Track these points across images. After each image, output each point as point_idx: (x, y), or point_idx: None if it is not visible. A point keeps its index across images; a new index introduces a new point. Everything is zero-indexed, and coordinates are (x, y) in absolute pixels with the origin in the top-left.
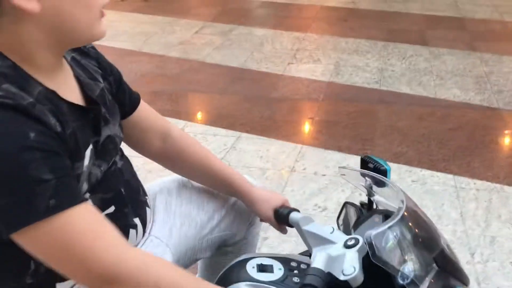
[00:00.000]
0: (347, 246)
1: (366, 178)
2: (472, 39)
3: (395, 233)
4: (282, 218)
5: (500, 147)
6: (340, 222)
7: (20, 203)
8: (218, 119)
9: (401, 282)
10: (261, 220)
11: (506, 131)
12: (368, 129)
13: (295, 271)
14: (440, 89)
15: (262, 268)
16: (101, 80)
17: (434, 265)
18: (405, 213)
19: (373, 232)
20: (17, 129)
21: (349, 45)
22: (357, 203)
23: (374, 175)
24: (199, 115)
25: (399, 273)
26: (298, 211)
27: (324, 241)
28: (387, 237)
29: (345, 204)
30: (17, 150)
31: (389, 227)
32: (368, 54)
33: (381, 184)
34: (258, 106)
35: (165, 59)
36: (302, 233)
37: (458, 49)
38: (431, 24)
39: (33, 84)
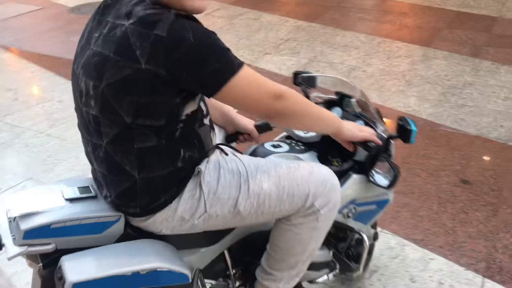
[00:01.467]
0: None
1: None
2: None
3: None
4: (262, 128)
5: None
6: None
7: (225, 63)
8: None
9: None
10: (243, 132)
11: None
12: None
13: (293, 143)
14: None
15: (275, 145)
16: None
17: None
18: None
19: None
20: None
21: (346, 39)
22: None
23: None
24: None
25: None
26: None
27: None
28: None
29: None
30: (213, 34)
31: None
32: (355, 50)
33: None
34: None
35: None
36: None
37: None
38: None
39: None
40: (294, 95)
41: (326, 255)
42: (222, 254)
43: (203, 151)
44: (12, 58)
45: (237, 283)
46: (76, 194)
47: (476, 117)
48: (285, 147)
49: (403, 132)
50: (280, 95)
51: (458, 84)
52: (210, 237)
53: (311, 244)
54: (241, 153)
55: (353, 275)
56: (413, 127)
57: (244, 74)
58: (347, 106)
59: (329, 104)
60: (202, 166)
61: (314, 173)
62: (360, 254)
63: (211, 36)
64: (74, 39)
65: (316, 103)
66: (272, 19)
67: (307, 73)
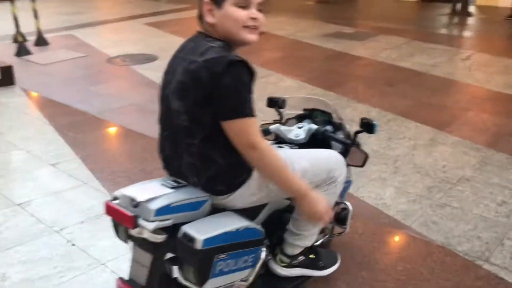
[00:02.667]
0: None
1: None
2: None
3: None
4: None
5: None
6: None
7: (241, 105)
8: None
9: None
10: None
11: None
12: None
13: (288, 145)
14: None
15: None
16: None
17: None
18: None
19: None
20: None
21: (355, 112)
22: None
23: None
24: None
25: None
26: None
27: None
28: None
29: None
30: (247, 85)
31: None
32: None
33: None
34: None
35: None
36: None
37: None
38: None
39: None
40: (267, 152)
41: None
42: None
43: None
44: (21, 102)
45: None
46: (174, 184)
47: (452, 222)
48: (286, 147)
49: (368, 126)
50: (255, 147)
51: (452, 178)
52: (252, 213)
53: (330, 205)
54: (282, 146)
55: (343, 234)
56: (375, 122)
57: (245, 121)
58: (316, 117)
59: (300, 118)
60: None
61: (331, 154)
62: (346, 217)
63: (244, 86)
64: (93, 88)
65: (288, 118)
66: (292, 84)
67: (278, 98)
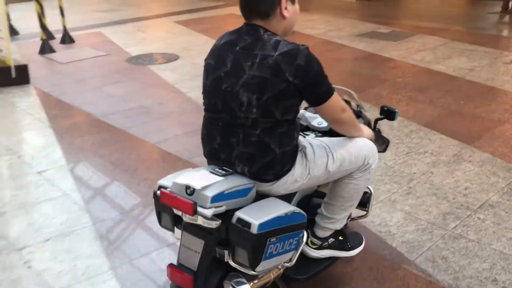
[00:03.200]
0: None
1: None
2: None
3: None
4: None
5: None
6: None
7: (329, 89)
8: None
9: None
10: None
11: None
12: None
13: (313, 133)
14: None
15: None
16: None
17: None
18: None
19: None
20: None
21: None
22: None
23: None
24: None
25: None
26: None
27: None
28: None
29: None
30: (321, 66)
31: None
32: None
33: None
34: None
35: None
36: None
37: None
38: None
39: None
40: (350, 110)
41: None
42: None
43: (299, 132)
44: (30, 102)
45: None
46: (223, 172)
47: (465, 259)
48: (311, 135)
49: (388, 113)
50: (345, 108)
51: (474, 203)
52: (287, 199)
53: (363, 190)
54: (313, 137)
55: (364, 217)
56: (395, 110)
57: (334, 96)
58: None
59: None
60: (302, 143)
61: (365, 142)
62: (368, 201)
63: (321, 67)
64: (106, 89)
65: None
66: None
67: None
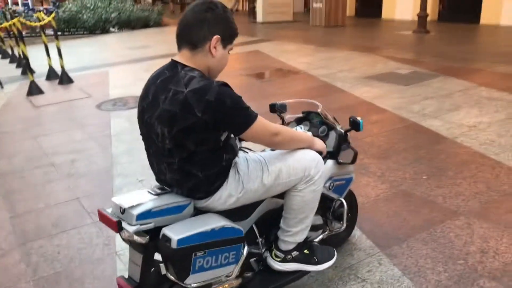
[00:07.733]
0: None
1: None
2: None
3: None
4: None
5: None
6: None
7: (248, 118)
8: None
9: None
10: None
11: None
12: None
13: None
14: None
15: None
16: None
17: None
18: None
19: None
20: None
21: None
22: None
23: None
24: None
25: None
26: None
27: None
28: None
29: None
30: (239, 98)
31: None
32: None
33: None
34: None
35: None
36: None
37: None
38: None
39: None
40: (285, 131)
41: (319, 219)
42: (251, 227)
43: (234, 152)
44: None
45: (263, 248)
46: (159, 191)
47: None
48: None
49: (354, 124)
50: (277, 133)
51: None
52: (242, 214)
53: (313, 202)
54: (253, 151)
55: (340, 230)
56: (360, 120)
57: (257, 123)
58: (312, 119)
59: (299, 120)
60: (236, 160)
61: (306, 153)
62: (342, 214)
63: (239, 100)
64: (39, 140)
65: (289, 122)
66: None
67: (279, 103)
